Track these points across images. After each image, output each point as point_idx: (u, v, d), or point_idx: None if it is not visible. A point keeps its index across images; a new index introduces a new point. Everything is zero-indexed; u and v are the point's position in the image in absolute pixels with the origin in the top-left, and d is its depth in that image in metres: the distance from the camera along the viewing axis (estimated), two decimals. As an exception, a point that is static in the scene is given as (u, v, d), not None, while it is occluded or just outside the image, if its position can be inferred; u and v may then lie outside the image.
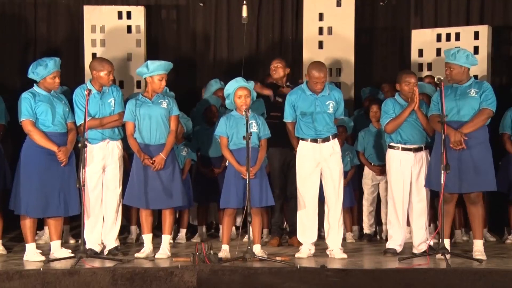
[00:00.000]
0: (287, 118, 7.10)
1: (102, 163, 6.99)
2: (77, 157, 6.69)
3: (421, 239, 7.00)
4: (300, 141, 7.03)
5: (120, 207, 7.12)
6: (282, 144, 7.43)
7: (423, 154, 7.01)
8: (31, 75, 6.82)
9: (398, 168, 7.00)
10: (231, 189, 6.89)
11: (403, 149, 7.01)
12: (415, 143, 7.00)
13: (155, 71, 6.92)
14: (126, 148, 7.22)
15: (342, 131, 7.75)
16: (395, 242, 7.06)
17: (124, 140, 7.10)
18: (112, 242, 7.04)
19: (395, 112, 6.99)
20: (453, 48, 7.07)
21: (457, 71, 6.74)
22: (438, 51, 8.83)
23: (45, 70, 6.75)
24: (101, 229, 7.04)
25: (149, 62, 7.01)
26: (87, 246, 6.78)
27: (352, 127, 8.20)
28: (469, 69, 6.79)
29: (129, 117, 6.94)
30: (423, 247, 6.95)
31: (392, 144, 7.06)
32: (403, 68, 9.27)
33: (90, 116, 6.80)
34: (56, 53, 6.99)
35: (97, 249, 6.98)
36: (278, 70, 7.77)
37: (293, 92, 7.13)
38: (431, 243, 6.98)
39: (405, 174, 6.99)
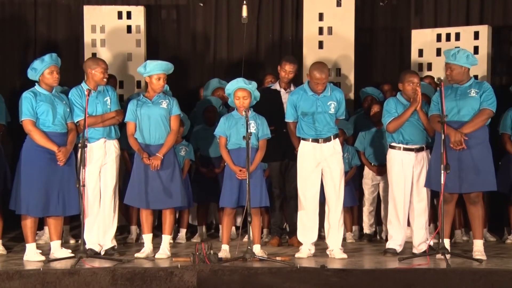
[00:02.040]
0: (289, 118, 7.10)
1: (100, 162, 6.99)
2: (77, 156, 6.70)
3: (421, 239, 7.00)
4: (301, 141, 7.03)
5: (117, 206, 7.12)
6: (280, 157, 7.49)
7: (424, 154, 7.00)
8: (30, 73, 6.83)
9: (399, 168, 7.00)
10: (226, 188, 6.90)
11: (405, 149, 7.00)
12: (416, 143, 6.99)
13: (152, 71, 6.93)
14: (127, 147, 7.22)
15: (340, 134, 7.73)
16: (395, 242, 7.06)
17: (123, 140, 7.11)
18: (108, 242, 7.04)
19: (397, 111, 6.98)
20: (453, 48, 7.05)
21: (457, 71, 6.74)
22: (438, 51, 8.83)
23: (41, 64, 6.77)
24: (100, 228, 7.05)
25: (148, 61, 7.03)
26: (87, 246, 6.78)
27: (351, 129, 8.17)
28: (469, 69, 6.79)
29: (130, 117, 6.95)
30: (423, 247, 6.95)
31: (393, 144, 7.05)
32: (403, 68, 9.27)
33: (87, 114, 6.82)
34: (56, 53, 6.97)
35: (97, 249, 6.97)
36: (290, 75, 7.72)
37: (294, 92, 7.13)
38: (431, 243, 6.98)
39: (407, 174, 6.98)
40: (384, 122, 7.05)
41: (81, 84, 7.04)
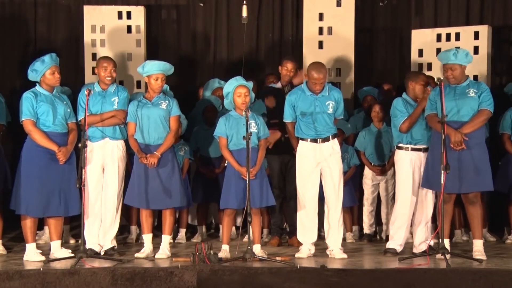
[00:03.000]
0: (287, 118, 7.10)
1: (101, 162, 7.00)
2: (78, 156, 6.70)
3: (422, 239, 7.00)
4: (300, 141, 7.03)
5: (120, 208, 7.12)
6: (281, 151, 7.47)
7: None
8: (30, 75, 6.82)
9: (408, 169, 6.97)
10: (231, 189, 6.89)
11: (413, 149, 6.99)
12: (424, 143, 6.98)
13: (149, 71, 6.94)
14: (127, 148, 7.22)
15: (339, 133, 7.73)
16: (395, 242, 7.06)
17: (126, 141, 7.11)
18: (108, 242, 7.04)
19: (407, 111, 6.97)
20: (449, 49, 6.99)
21: (459, 71, 6.73)
22: (438, 51, 8.76)
23: (42, 65, 6.76)
24: (100, 229, 7.05)
25: (146, 62, 7.07)
26: (87, 246, 6.78)
27: (349, 129, 8.18)
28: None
29: (130, 118, 6.97)
30: (424, 247, 6.95)
31: (401, 144, 7.02)
32: (403, 68, 9.31)
33: (91, 113, 6.83)
34: (56, 53, 6.97)
35: (97, 249, 6.97)
36: (291, 74, 7.70)
37: (293, 92, 7.13)
38: (431, 243, 6.98)
39: (415, 175, 6.97)
40: (398, 122, 6.98)
41: (94, 84, 7.07)
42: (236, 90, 6.91)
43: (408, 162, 6.98)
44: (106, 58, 7.22)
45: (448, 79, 6.76)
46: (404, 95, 7.07)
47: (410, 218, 7.04)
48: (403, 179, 7.02)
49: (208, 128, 8.01)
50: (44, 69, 6.77)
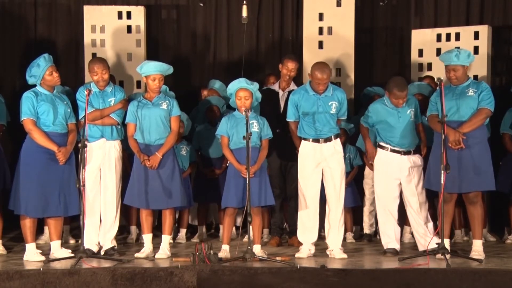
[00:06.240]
0: (290, 117, 7.10)
1: (99, 162, 7.00)
2: (77, 156, 6.70)
3: (422, 235, 7.00)
4: (302, 141, 7.03)
5: (119, 207, 7.11)
6: (281, 150, 7.46)
7: (412, 157, 7.04)
8: (30, 81, 6.83)
9: (383, 168, 7.07)
10: (231, 188, 6.90)
11: (392, 150, 7.05)
12: (405, 147, 7.03)
13: (146, 72, 6.95)
14: (126, 148, 7.23)
15: (342, 133, 7.73)
16: (392, 239, 7.06)
17: (125, 141, 7.11)
18: (108, 242, 7.05)
19: (378, 118, 7.06)
20: (451, 50, 6.99)
21: (461, 71, 6.73)
22: (438, 51, 8.81)
23: (39, 69, 6.76)
24: (99, 229, 7.05)
25: (144, 62, 7.08)
26: (85, 246, 6.77)
27: (352, 128, 8.17)
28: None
29: (130, 119, 6.96)
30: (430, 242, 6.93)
31: (381, 144, 7.11)
32: (403, 68, 9.30)
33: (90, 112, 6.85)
34: (56, 53, 6.98)
35: (95, 249, 6.97)
36: (292, 73, 7.71)
37: (296, 91, 7.14)
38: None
39: (391, 175, 7.03)
40: (362, 122, 7.23)
41: (91, 84, 7.08)
42: (237, 92, 6.92)
43: (384, 162, 7.07)
44: (94, 62, 7.18)
45: (451, 80, 6.77)
46: (385, 99, 7.08)
47: (392, 214, 7.06)
48: (377, 177, 7.15)
49: (211, 128, 8.02)
50: (41, 73, 6.76)
